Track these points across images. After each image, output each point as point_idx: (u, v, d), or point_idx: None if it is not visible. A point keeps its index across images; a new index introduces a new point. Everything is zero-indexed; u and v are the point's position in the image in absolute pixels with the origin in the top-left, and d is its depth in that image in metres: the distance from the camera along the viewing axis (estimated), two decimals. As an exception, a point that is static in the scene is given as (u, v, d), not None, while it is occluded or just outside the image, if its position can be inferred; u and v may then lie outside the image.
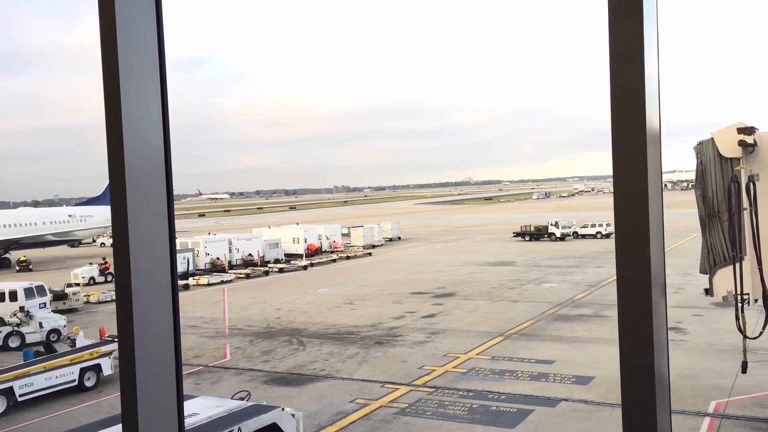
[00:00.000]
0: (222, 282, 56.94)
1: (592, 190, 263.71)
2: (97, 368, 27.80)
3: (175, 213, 2.69)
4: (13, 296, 37.44)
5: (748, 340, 19.17)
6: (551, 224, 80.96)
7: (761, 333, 19.07)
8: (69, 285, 47.65)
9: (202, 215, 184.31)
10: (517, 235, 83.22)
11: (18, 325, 35.58)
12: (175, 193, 2.63)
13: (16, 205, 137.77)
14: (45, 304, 38.98)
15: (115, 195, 2.37)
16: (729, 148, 18.94)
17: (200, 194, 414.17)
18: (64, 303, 44.83)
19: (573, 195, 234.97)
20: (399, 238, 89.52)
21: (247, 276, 60.04)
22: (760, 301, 18.89)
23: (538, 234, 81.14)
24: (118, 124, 2.35)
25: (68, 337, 32.05)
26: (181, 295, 45.27)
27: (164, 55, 2.49)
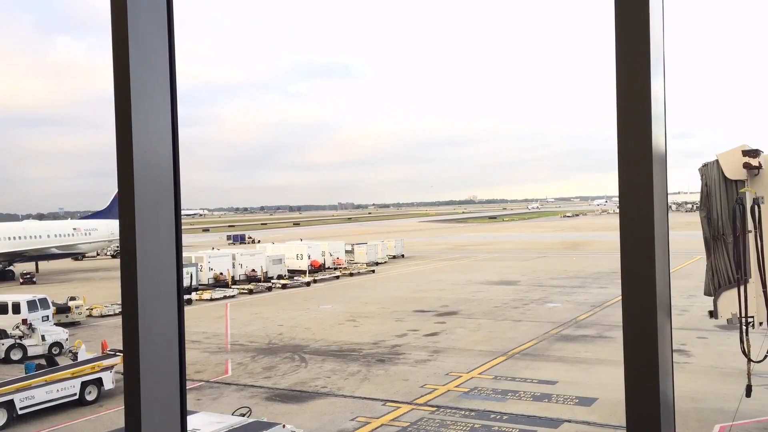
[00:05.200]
0: (225, 297, 56.87)
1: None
2: (99, 382, 27.74)
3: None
4: (16, 309, 37.46)
5: (752, 363, 19.07)
6: None
7: (766, 356, 18.97)
8: (72, 298, 47.64)
9: (206, 230, 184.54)
10: None
11: (20, 337, 35.57)
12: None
13: (24, 218, 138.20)
14: (48, 317, 38.97)
15: (124, 208, 2.38)
16: (734, 170, 18.94)
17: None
18: (67, 316, 44.75)
19: (577, 215, 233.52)
20: (402, 255, 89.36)
21: (250, 291, 59.98)
22: (765, 324, 18.82)
23: None
24: (128, 137, 2.37)
25: (70, 351, 32.01)
26: (185, 309, 45.02)
27: (175, 71, 2.52)
